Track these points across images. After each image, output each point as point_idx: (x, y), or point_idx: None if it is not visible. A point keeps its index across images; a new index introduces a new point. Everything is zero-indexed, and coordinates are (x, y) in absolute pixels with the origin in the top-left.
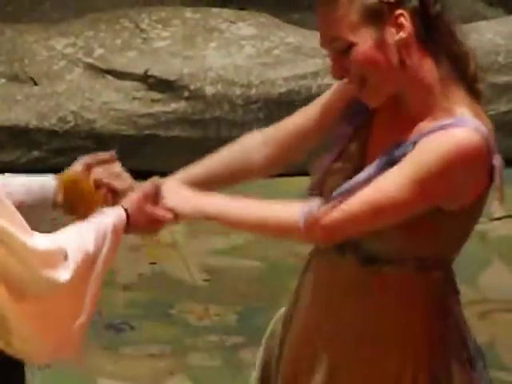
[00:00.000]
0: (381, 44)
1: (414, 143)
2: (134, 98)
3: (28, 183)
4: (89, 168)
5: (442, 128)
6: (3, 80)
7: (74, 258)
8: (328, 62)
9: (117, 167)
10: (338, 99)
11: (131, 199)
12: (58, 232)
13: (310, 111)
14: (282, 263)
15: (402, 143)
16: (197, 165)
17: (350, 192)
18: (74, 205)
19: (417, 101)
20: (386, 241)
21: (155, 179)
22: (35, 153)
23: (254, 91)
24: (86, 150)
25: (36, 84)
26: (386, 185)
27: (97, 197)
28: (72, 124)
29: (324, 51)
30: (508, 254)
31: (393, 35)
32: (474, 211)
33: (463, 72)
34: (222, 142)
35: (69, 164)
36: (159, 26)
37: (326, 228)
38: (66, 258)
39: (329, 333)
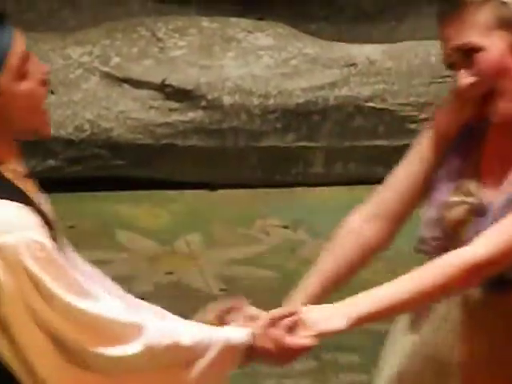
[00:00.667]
0: (507, 47)
1: None
2: (151, 107)
3: None
4: (221, 318)
5: None
6: None
7: (151, 341)
8: (344, 72)
9: (250, 309)
10: (436, 140)
11: (259, 324)
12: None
13: (409, 165)
14: (297, 273)
15: None
16: (311, 278)
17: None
18: None
19: None
20: None
21: (292, 308)
22: (51, 162)
23: (271, 101)
24: (102, 159)
25: (52, 93)
26: None
27: None
28: (88, 133)
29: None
30: None
31: None
32: None
33: None
34: (239, 151)
35: (84, 173)
36: (176, 35)
37: (495, 257)
38: (140, 332)
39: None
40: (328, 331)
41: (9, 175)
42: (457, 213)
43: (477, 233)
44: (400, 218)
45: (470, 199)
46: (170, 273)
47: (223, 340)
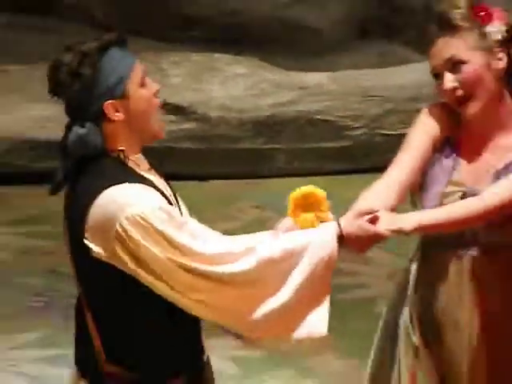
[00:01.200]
0: (487, 65)
1: None
2: None
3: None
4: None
5: None
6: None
7: (261, 254)
8: (299, 93)
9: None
10: (425, 145)
11: (347, 216)
12: (250, 237)
13: (409, 156)
14: None
15: (507, 166)
16: (366, 198)
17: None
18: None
19: (499, 127)
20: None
21: (374, 207)
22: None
23: (246, 115)
24: None
25: None
26: None
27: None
28: None
29: (302, 85)
30: None
31: (496, 64)
32: None
33: None
34: (222, 152)
35: None
36: (174, 66)
37: (500, 207)
38: (250, 252)
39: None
40: (398, 229)
41: (134, 166)
42: (452, 200)
43: None
44: (405, 189)
45: (462, 188)
46: None
47: (321, 232)
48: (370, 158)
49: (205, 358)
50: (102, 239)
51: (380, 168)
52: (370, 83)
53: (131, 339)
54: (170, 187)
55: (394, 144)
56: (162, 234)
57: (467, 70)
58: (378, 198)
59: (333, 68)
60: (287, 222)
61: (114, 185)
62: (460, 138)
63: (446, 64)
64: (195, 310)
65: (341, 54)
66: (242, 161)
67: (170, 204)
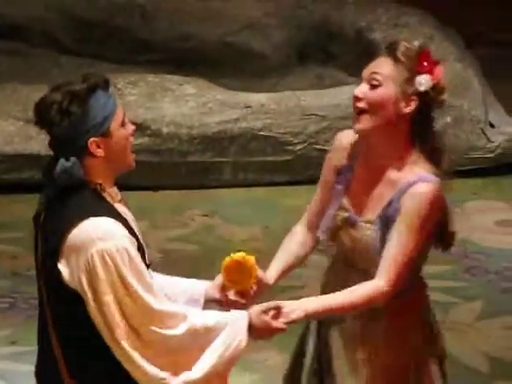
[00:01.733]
0: (395, 100)
1: (398, 198)
2: None
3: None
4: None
5: (412, 184)
6: (21, 123)
7: (189, 327)
8: (244, 112)
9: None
10: (329, 174)
11: (255, 310)
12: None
13: (317, 195)
14: (213, 247)
15: (390, 202)
16: (276, 263)
17: (381, 252)
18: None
19: (391, 159)
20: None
21: (278, 303)
22: None
23: (195, 131)
24: None
25: None
26: (404, 240)
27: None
28: None
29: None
30: None
31: (402, 105)
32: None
33: (437, 163)
34: (173, 165)
35: None
36: (130, 86)
37: (396, 284)
38: (184, 319)
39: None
40: (292, 321)
41: (108, 199)
42: (336, 222)
43: (350, 237)
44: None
45: (345, 214)
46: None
47: (234, 319)
48: (308, 170)
49: None
50: (72, 267)
51: (316, 179)
52: (307, 103)
53: (91, 363)
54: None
55: None
56: (121, 276)
57: (378, 91)
58: (291, 253)
59: (275, 89)
60: (220, 278)
61: (90, 216)
62: (357, 165)
63: (368, 76)
64: (124, 362)
65: (282, 76)
66: (192, 173)
67: (134, 234)
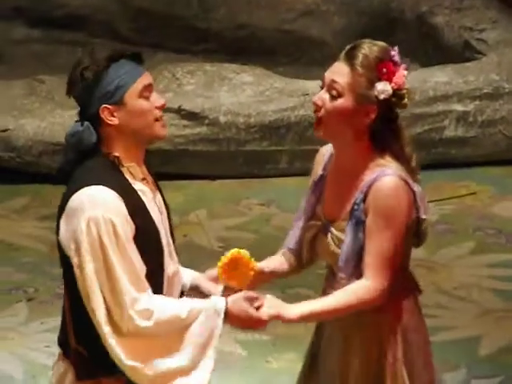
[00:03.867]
0: (353, 111)
1: (362, 198)
2: (172, 125)
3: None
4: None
5: (373, 181)
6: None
7: (159, 316)
8: (301, 99)
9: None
10: (311, 182)
11: (235, 297)
12: (162, 297)
13: (303, 202)
14: (270, 236)
15: (354, 205)
16: (268, 261)
17: (355, 258)
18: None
19: (354, 165)
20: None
21: (260, 294)
22: None
23: (252, 119)
24: None
25: None
26: (379, 239)
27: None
28: None
29: (305, 91)
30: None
31: (360, 115)
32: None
33: (405, 163)
34: (230, 154)
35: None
36: (188, 76)
37: (383, 281)
38: (152, 314)
39: None
40: (277, 314)
41: (126, 174)
42: (311, 231)
43: (325, 245)
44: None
45: (318, 222)
46: (185, 235)
47: (210, 306)
48: None
49: None
50: (65, 230)
51: None
52: None
53: (95, 331)
54: (163, 198)
55: None
56: (102, 246)
57: (337, 104)
58: (283, 260)
59: None
60: (214, 272)
61: (93, 185)
62: (328, 175)
63: (328, 84)
64: (99, 332)
65: None
66: (249, 162)
67: (146, 216)
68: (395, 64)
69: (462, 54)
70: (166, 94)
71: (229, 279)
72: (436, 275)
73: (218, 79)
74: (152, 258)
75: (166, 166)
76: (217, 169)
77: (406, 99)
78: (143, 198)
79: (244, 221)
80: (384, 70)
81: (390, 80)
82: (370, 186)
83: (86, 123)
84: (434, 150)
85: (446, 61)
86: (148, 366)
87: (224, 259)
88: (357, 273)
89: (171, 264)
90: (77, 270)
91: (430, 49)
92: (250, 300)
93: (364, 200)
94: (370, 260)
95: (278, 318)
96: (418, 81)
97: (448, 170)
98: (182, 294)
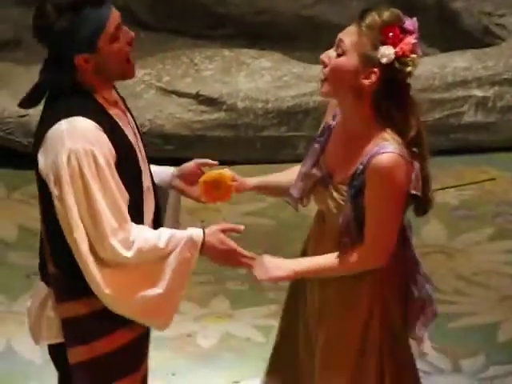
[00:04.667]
0: (355, 71)
1: (362, 170)
2: (190, 110)
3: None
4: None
5: (373, 155)
6: None
7: (140, 246)
8: (319, 85)
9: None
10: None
11: (212, 228)
12: (144, 227)
13: None
14: (289, 221)
15: (355, 173)
16: (268, 177)
17: (356, 224)
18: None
19: (358, 129)
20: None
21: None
22: None
23: (270, 105)
24: (157, 146)
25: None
26: (377, 215)
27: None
28: (148, 128)
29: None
30: (440, 215)
31: (361, 76)
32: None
33: (404, 135)
34: (248, 139)
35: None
36: (207, 61)
37: (386, 252)
38: (133, 244)
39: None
40: (282, 278)
41: (101, 101)
42: (311, 180)
43: (323, 198)
44: None
45: (318, 173)
46: (203, 221)
47: (187, 236)
48: None
49: None
50: (44, 162)
51: None
52: None
53: (72, 256)
54: (133, 118)
55: None
56: (84, 179)
57: (339, 61)
58: (280, 180)
59: None
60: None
61: (71, 116)
62: (335, 127)
63: (337, 41)
64: (80, 264)
65: None
66: (267, 147)
67: (123, 139)
68: (404, 31)
69: (482, 39)
70: (185, 79)
71: (207, 196)
72: (455, 261)
73: (235, 64)
74: (131, 182)
75: (184, 152)
76: (234, 154)
77: (410, 67)
78: (119, 122)
79: (262, 207)
80: (390, 34)
81: (394, 45)
82: (369, 161)
83: (61, 69)
84: (453, 136)
85: (465, 46)
86: (126, 295)
87: (207, 178)
88: (359, 239)
89: (146, 181)
90: (57, 202)
91: (450, 34)
92: (226, 231)
93: (363, 171)
94: (369, 236)
95: (274, 282)
96: (437, 66)
97: (467, 155)
98: (156, 208)
